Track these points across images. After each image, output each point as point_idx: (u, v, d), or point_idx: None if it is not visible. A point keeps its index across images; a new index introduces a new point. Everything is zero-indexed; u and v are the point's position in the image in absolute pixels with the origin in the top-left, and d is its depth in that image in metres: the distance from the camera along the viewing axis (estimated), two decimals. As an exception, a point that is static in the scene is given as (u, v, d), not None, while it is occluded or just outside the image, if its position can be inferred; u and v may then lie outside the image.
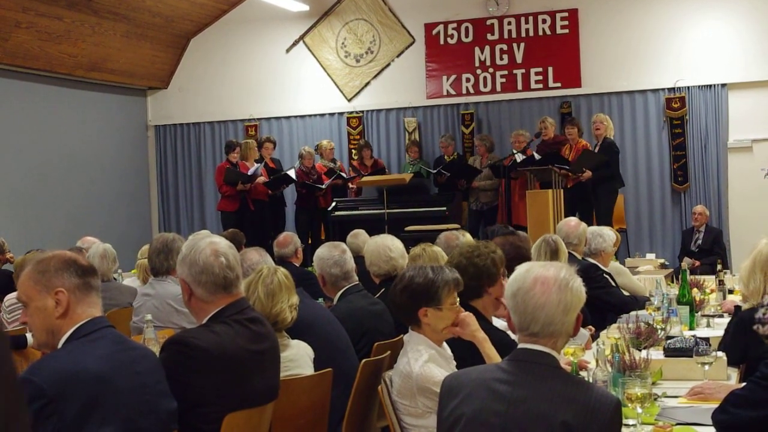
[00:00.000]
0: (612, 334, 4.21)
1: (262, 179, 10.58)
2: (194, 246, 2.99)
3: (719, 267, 6.53)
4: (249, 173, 10.45)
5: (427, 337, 3.20)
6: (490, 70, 11.39)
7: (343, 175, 11.07)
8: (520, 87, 11.31)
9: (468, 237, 6.05)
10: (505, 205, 10.34)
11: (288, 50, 12.21)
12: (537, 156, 9.67)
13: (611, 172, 9.57)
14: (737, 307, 4.26)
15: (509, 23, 11.32)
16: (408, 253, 5.09)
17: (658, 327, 4.00)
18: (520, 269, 2.41)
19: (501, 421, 2.25)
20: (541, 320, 2.31)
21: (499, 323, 3.86)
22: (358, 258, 5.20)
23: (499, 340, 3.33)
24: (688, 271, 5.11)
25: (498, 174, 10.36)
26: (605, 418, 2.20)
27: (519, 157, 9.86)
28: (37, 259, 2.62)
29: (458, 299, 3.26)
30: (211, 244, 3.00)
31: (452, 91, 11.56)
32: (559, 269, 2.37)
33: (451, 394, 2.39)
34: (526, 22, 11.26)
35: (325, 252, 4.59)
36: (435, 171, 10.79)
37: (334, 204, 10.76)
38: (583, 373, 3.44)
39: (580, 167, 9.47)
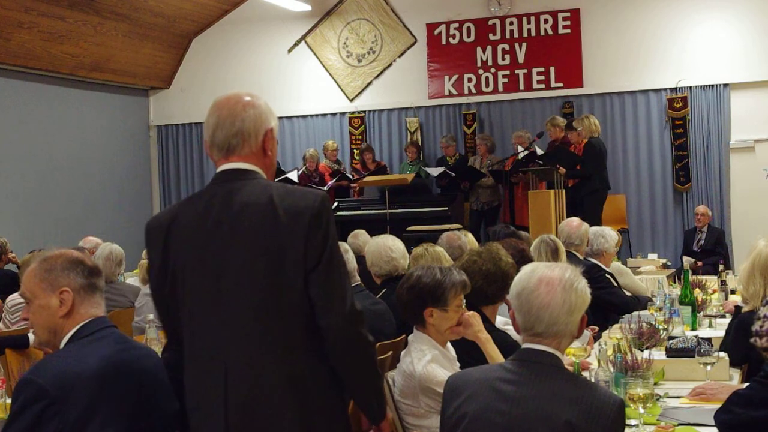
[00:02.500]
0: (614, 335, 4.21)
1: None
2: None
3: (721, 267, 6.52)
4: None
5: (431, 338, 3.21)
6: (492, 70, 11.40)
7: (348, 176, 11.06)
8: (522, 87, 11.31)
9: (470, 237, 6.06)
10: (508, 205, 10.35)
11: (290, 50, 12.21)
12: (539, 151, 9.67)
13: (586, 173, 9.36)
14: (738, 308, 4.26)
15: (511, 23, 11.32)
16: (410, 253, 5.09)
17: (660, 327, 4.00)
18: (526, 269, 2.42)
19: (504, 421, 2.26)
20: (545, 320, 2.32)
21: (501, 321, 3.87)
22: (359, 258, 5.21)
23: (501, 341, 3.33)
24: (690, 272, 5.12)
25: (499, 179, 10.39)
26: (609, 418, 2.21)
27: (522, 154, 9.89)
28: (43, 256, 2.62)
29: (464, 302, 3.26)
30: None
31: (454, 91, 11.57)
32: (564, 270, 2.37)
33: (454, 393, 2.39)
34: (528, 22, 11.26)
35: (327, 252, 4.58)
36: (440, 173, 10.77)
37: (336, 204, 10.76)
38: (585, 374, 3.44)
39: (552, 161, 9.39)
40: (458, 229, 6.46)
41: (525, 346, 2.37)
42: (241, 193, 2.38)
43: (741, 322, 3.77)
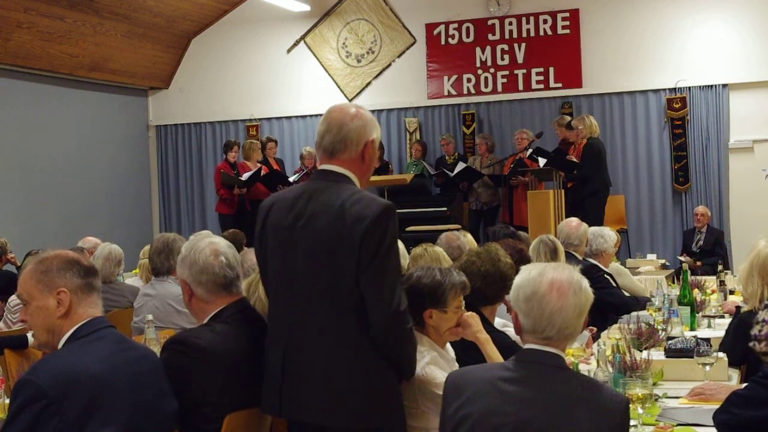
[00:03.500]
0: (613, 335, 4.21)
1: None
2: (194, 246, 3.00)
3: (720, 268, 6.52)
4: (243, 178, 10.42)
5: (430, 339, 3.20)
6: (491, 70, 11.39)
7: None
8: (521, 87, 11.30)
9: (469, 237, 6.05)
10: (508, 205, 10.35)
11: (289, 50, 12.21)
12: (533, 154, 9.70)
13: (585, 174, 9.32)
14: (738, 308, 4.26)
15: (510, 23, 11.32)
16: (409, 253, 5.09)
17: (659, 327, 4.00)
18: (532, 272, 2.39)
19: (512, 422, 2.25)
20: (557, 325, 2.31)
21: (499, 323, 3.86)
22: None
23: (500, 342, 3.33)
24: (689, 272, 5.11)
25: (498, 183, 10.39)
26: (616, 418, 2.20)
27: (529, 152, 9.90)
28: (39, 258, 2.62)
29: (464, 303, 3.25)
30: (210, 244, 3.01)
31: (453, 92, 11.56)
32: (570, 272, 2.37)
33: (455, 392, 2.38)
34: (527, 23, 11.26)
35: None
36: (438, 172, 10.77)
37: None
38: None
39: (550, 166, 9.38)
40: (457, 230, 6.45)
41: (528, 346, 2.36)
42: (324, 194, 2.78)
43: (740, 322, 3.77)
